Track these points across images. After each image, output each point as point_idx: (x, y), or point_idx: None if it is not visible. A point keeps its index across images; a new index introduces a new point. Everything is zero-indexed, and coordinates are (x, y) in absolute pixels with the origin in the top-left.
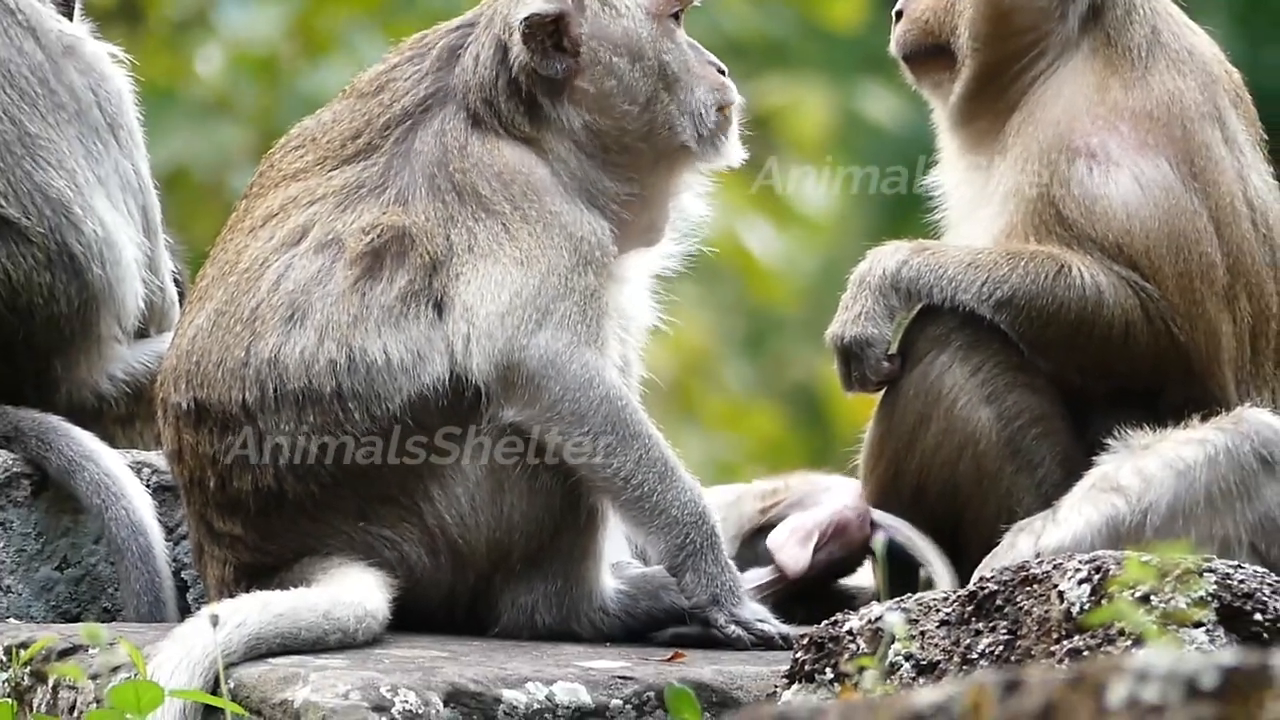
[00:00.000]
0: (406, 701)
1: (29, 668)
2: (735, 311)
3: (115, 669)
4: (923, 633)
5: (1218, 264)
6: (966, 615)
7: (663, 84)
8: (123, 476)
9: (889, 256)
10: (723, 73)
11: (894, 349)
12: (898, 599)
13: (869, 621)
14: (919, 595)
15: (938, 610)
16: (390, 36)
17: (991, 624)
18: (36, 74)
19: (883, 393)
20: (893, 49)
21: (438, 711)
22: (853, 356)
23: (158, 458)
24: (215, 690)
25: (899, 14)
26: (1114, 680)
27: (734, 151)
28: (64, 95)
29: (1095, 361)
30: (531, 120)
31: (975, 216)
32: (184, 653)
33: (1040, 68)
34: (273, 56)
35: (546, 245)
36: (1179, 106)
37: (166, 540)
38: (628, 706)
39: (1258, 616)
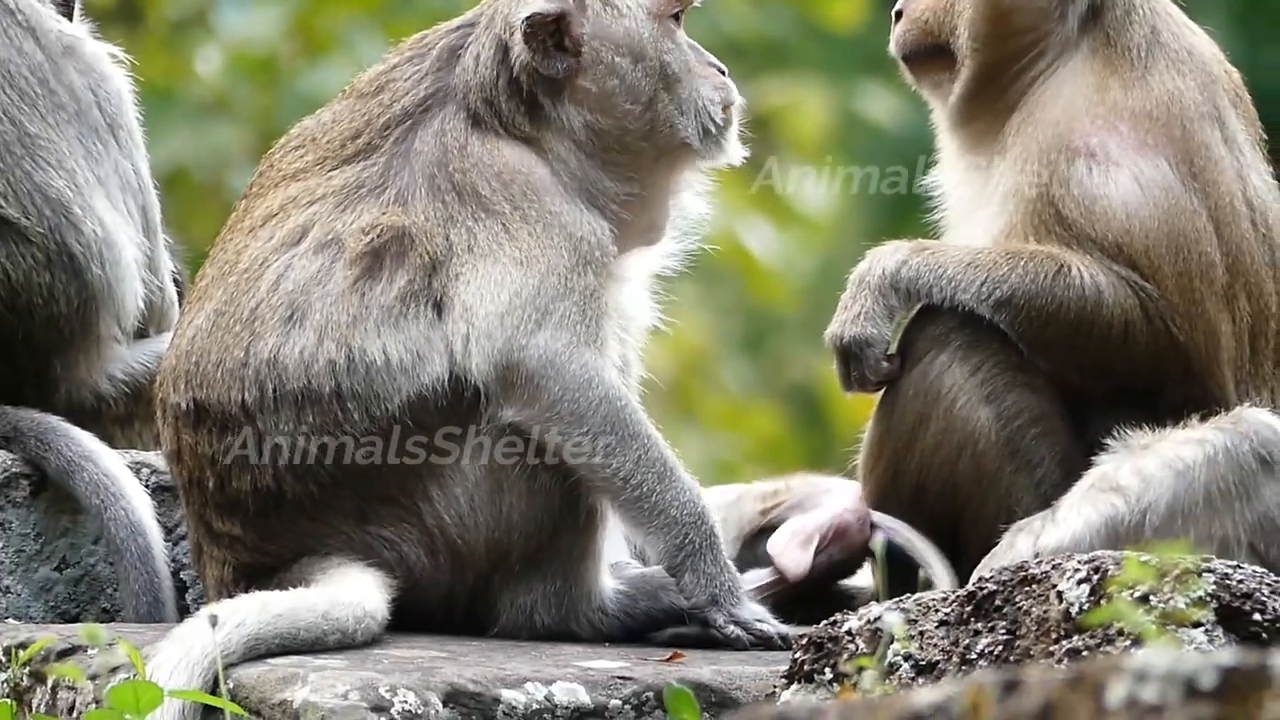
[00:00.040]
0: (405, 702)
1: (28, 668)
2: (734, 311)
3: (114, 669)
4: (922, 633)
5: (1217, 264)
6: (965, 615)
7: (664, 84)
8: (122, 477)
9: (888, 256)
10: (723, 73)
11: (893, 349)
12: (897, 599)
13: (868, 622)
14: (918, 595)
15: (937, 610)
16: (390, 36)
17: (990, 624)
18: (36, 74)
19: (882, 393)
20: (892, 49)
21: (437, 712)
22: (852, 356)
23: (157, 458)
24: (214, 690)
25: (899, 14)
26: (1113, 680)
27: (735, 150)
28: (64, 95)
29: (1095, 361)
30: (532, 120)
31: (975, 216)
32: (183, 653)
33: (1040, 68)
34: (272, 57)
35: (546, 245)
36: (1178, 106)
37: (165, 541)
38: (627, 707)
39: (1256, 616)
